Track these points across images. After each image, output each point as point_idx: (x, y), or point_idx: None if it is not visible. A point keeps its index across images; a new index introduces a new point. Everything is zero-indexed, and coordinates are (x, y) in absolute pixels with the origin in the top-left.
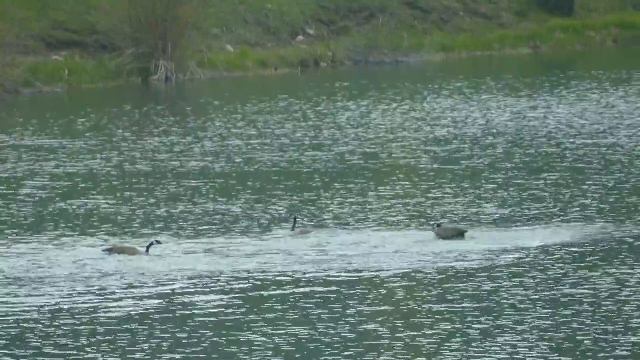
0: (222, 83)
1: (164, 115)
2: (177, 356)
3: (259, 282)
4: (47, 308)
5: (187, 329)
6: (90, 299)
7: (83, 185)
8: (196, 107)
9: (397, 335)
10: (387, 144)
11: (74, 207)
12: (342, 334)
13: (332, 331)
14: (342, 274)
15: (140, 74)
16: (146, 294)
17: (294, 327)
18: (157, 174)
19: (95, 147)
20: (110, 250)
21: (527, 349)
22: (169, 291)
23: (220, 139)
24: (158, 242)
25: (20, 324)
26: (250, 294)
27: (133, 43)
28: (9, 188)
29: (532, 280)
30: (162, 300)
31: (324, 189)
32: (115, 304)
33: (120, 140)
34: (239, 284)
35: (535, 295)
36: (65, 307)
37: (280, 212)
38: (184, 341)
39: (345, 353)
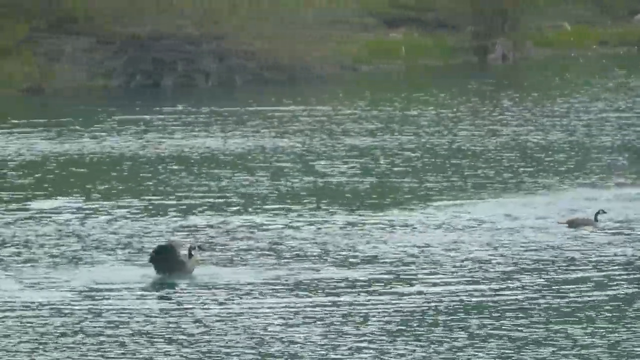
0: (560, 61)
1: (505, 92)
2: None
3: None
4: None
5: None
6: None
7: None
8: (537, 84)
9: None
10: None
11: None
12: None
13: None
14: None
15: (477, 53)
16: None
17: None
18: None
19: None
20: (571, 223)
21: None
22: None
23: (564, 115)
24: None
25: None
26: None
27: (472, 21)
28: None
29: None
30: None
31: None
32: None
33: (464, 116)
34: None
35: None
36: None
37: None
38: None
39: None
